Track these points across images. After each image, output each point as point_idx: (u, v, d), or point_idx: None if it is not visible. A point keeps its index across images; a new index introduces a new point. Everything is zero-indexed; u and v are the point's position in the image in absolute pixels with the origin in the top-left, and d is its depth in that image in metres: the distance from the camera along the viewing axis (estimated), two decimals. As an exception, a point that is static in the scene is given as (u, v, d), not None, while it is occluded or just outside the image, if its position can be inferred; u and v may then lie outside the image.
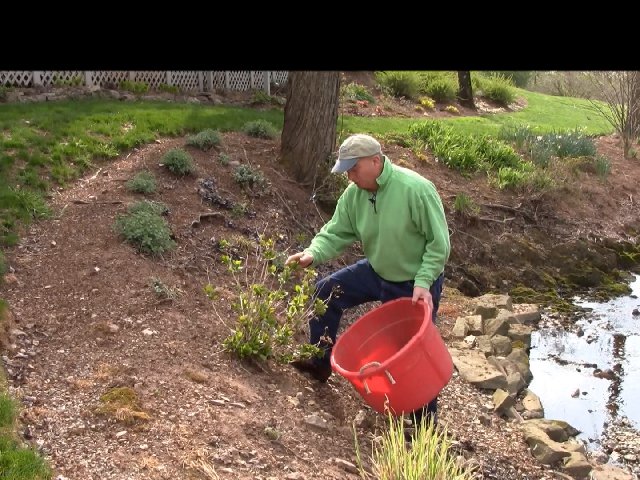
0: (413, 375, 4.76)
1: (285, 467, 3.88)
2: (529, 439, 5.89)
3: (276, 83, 17.73)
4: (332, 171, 5.20)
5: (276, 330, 5.22)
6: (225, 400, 4.39)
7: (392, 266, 5.26)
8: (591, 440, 6.28)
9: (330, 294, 5.15)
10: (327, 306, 5.11)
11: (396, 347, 4.92)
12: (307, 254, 5.28)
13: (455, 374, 6.99)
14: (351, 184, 5.43)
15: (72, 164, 8.36)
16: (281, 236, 7.43)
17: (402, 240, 5.13)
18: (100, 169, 8.47)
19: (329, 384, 5.66)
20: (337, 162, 5.17)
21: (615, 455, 6.00)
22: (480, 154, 13.85)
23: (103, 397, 4.09)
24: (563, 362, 7.99)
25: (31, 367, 4.50)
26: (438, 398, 5.54)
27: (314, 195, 9.23)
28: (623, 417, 6.68)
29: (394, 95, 19.32)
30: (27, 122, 9.35)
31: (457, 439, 5.58)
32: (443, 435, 3.80)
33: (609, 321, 9.35)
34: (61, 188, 7.78)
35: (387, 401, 4.20)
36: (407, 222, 5.08)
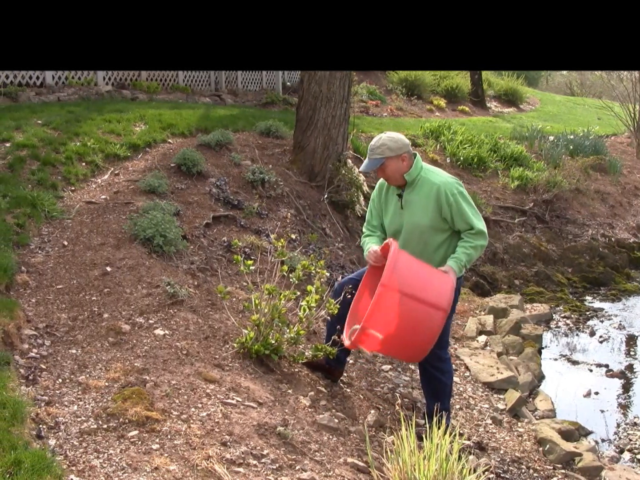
0: (401, 319, 4.58)
1: (297, 467, 3.88)
2: (541, 439, 5.87)
3: (288, 83, 17.74)
4: (359, 170, 5.14)
5: (288, 330, 5.22)
6: (237, 400, 4.39)
7: None
8: (603, 440, 6.26)
9: (342, 294, 5.14)
10: (339, 306, 5.09)
11: None
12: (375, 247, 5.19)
13: (467, 374, 6.98)
14: (381, 179, 5.42)
15: (83, 164, 8.38)
16: (293, 236, 7.44)
17: (426, 237, 5.10)
18: (112, 169, 8.50)
19: (341, 384, 5.65)
20: (365, 161, 5.17)
21: (627, 455, 5.98)
22: (492, 154, 13.85)
23: (115, 397, 4.10)
24: (575, 362, 7.97)
25: (43, 367, 4.52)
26: (451, 398, 5.51)
27: (325, 195, 9.22)
28: (635, 417, 6.66)
29: (406, 95, 19.30)
30: (39, 122, 9.38)
31: (468, 439, 5.56)
32: (455, 435, 3.80)
33: (620, 321, 9.32)
34: (73, 188, 7.80)
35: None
36: (433, 220, 5.00)
